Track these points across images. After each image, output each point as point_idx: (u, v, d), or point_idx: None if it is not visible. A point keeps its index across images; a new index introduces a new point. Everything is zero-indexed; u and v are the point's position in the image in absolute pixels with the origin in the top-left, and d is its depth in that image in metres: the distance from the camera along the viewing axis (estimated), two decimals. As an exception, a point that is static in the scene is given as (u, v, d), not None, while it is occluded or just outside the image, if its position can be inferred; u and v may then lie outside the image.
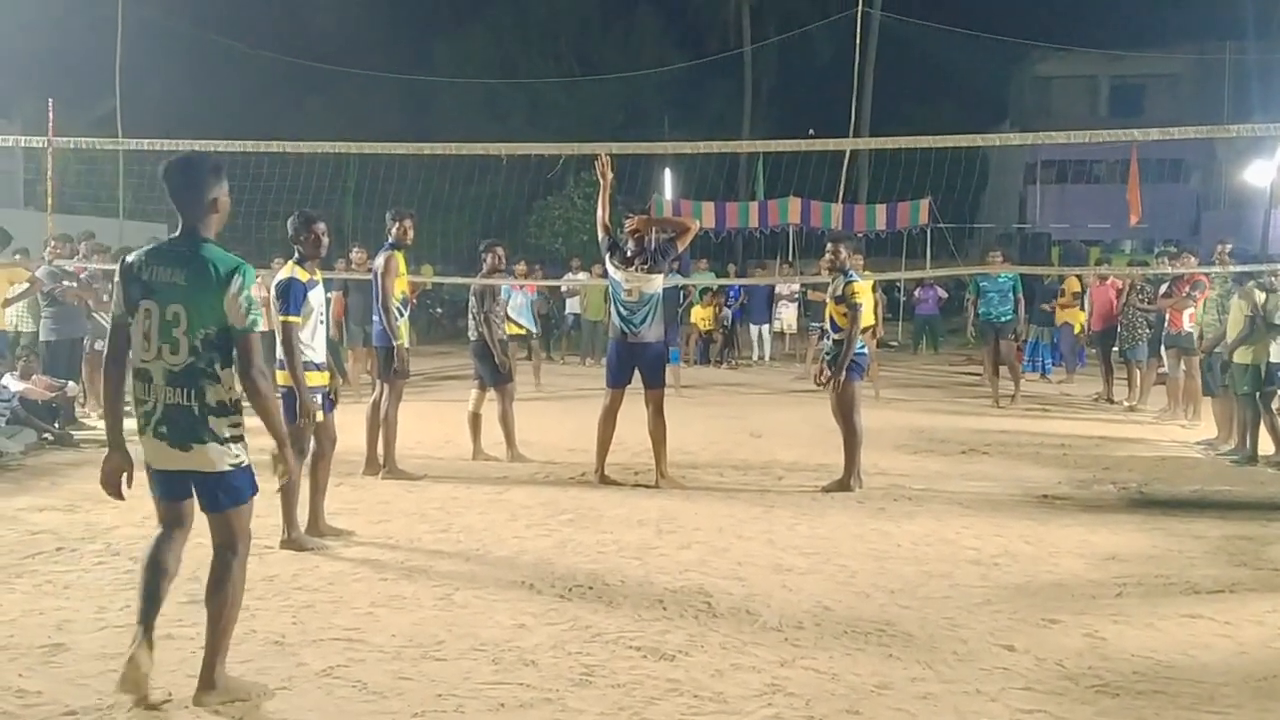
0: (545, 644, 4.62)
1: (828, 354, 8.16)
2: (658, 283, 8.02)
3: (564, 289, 18.82)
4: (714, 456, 9.35)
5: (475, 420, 9.17)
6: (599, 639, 4.69)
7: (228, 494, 3.93)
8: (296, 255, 6.27)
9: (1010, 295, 13.11)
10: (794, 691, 4.13)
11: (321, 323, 6.34)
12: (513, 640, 4.66)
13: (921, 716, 3.93)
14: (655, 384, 8.06)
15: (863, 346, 8.11)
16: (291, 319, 6.02)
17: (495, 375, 8.97)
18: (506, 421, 9.05)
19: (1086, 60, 37.30)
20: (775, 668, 4.37)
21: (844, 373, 7.83)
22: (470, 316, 9.12)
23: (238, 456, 3.92)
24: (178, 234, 3.95)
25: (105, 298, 11.15)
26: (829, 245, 8.20)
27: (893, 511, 7.30)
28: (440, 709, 3.94)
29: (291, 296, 6.05)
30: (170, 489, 3.98)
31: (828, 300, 8.16)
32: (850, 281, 7.90)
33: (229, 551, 3.97)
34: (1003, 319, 13.12)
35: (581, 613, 5.05)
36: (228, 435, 3.89)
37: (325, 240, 6.36)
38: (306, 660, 4.40)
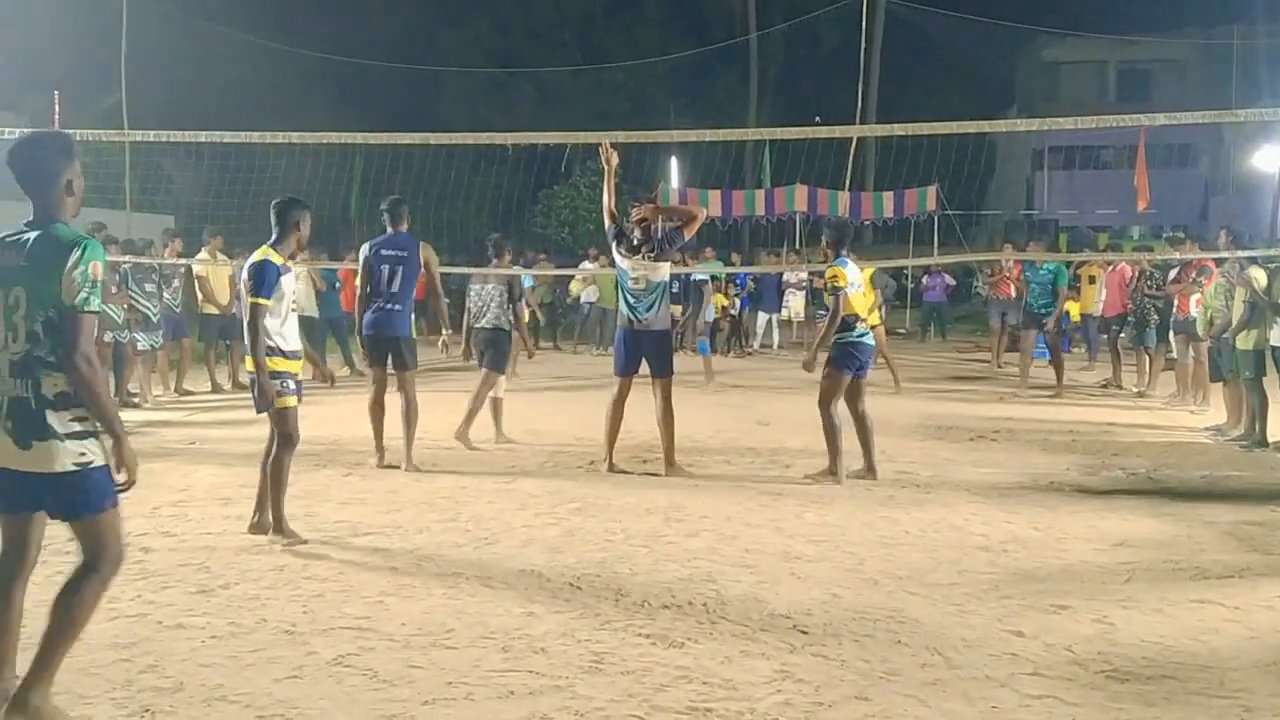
0: (554, 632, 4.63)
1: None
2: (664, 270, 8.02)
3: (579, 278, 18.95)
4: (722, 444, 9.35)
5: (496, 405, 9.33)
6: (608, 627, 4.70)
7: (80, 497, 3.54)
8: (273, 239, 6.14)
9: (1050, 287, 12.90)
10: (803, 678, 4.13)
11: (295, 310, 6.25)
12: (522, 628, 4.67)
13: (930, 702, 3.93)
14: (663, 372, 8.05)
15: (863, 334, 7.94)
16: (260, 301, 5.93)
17: (501, 362, 9.22)
18: (478, 401, 9.20)
19: (1094, 45, 37.13)
20: (784, 654, 4.38)
21: (816, 354, 7.85)
22: (495, 306, 9.24)
23: (83, 455, 3.52)
24: (31, 218, 3.63)
25: (112, 289, 11.17)
26: (825, 232, 8.34)
27: (901, 498, 7.30)
28: (450, 696, 3.95)
29: (264, 279, 5.95)
30: (14, 498, 3.59)
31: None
32: (831, 266, 7.81)
33: (90, 567, 3.59)
34: (1043, 310, 12.98)
35: (590, 601, 5.06)
36: (69, 431, 3.50)
37: (304, 231, 6.23)
38: (317, 649, 4.42)
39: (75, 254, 3.49)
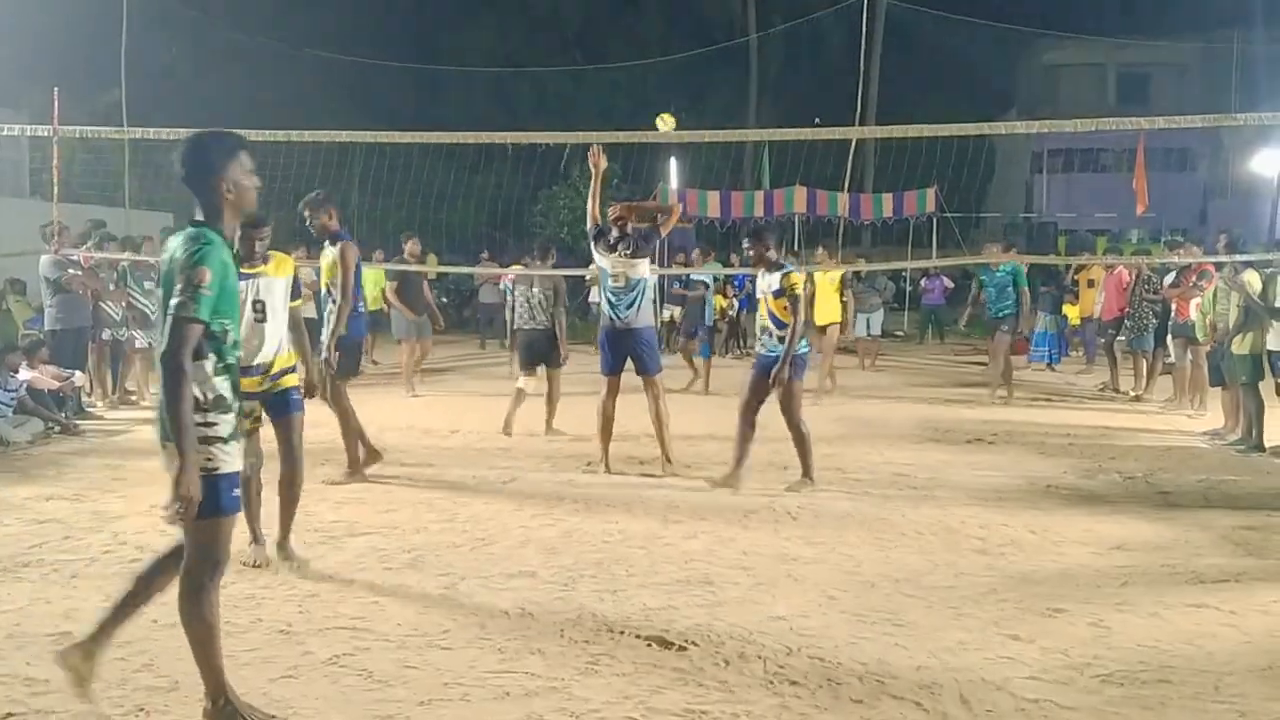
0: (551, 633, 4.63)
1: (768, 352, 7.64)
2: (643, 268, 8.01)
3: (587, 278, 19.07)
4: (719, 446, 9.32)
5: (520, 395, 9.59)
6: (605, 628, 4.70)
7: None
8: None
9: (1009, 289, 12.26)
10: (799, 680, 4.13)
11: (259, 320, 5.62)
12: (518, 629, 4.67)
13: (926, 704, 3.93)
14: (650, 370, 8.06)
15: (805, 346, 7.82)
16: None
17: (557, 359, 9.59)
18: (554, 401, 9.72)
19: (1093, 48, 37.12)
20: (781, 656, 4.38)
21: (788, 370, 7.40)
22: (539, 308, 9.45)
23: (210, 461, 3.50)
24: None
25: (111, 286, 11.18)
26: (746, 241, 7.94)
27: (898, 501, 7.30)
28: (446, 697, 3.95)
29: None
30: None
31: (767, 296, 7.67)
32: (787, 273, 7.58)
33: (185, 572, 3.60)
34: (1001, 313, 12.35)
35: (587, 602, 5.06)
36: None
37: (253, 239, 5.70)
38: (313, 649, 4.42)
39: (184, 255, 3.47)
